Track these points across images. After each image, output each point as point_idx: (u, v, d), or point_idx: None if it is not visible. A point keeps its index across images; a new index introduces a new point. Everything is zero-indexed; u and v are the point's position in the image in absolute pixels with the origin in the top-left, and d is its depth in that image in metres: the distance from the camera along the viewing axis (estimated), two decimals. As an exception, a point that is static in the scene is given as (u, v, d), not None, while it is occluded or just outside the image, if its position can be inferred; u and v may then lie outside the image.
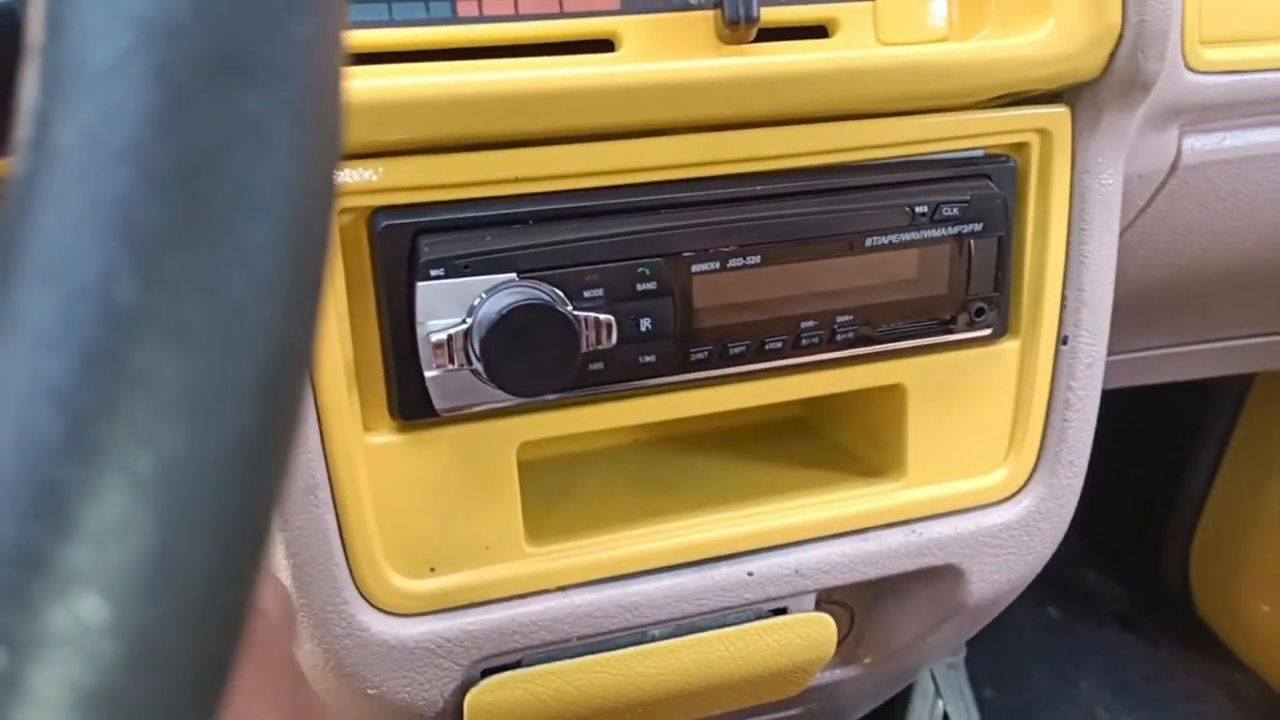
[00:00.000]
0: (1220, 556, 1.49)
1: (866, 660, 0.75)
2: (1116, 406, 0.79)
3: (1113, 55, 0.57)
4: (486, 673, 0.57)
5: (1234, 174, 0.72)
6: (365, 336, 0.53)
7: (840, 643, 0.68)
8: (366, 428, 0.54)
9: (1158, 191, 0.72)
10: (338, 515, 0.53)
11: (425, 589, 0.56)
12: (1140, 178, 0.69)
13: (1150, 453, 1.48)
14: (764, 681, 0.64)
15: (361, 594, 0.55)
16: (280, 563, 0.53)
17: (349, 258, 0.51)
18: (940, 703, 1.30)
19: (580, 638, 0.58)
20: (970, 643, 1.37)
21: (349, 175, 0.50)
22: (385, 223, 0.50)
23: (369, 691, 0.56)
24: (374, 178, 0.50)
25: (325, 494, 0.53)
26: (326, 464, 0.53)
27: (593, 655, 0.59)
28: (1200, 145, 0.71)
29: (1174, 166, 0.71)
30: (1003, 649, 1.42)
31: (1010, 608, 0.78)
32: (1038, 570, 0.68)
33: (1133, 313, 0.70)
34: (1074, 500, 0.66)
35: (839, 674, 0.75)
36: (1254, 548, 1.43)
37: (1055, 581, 0.87)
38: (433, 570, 0.56)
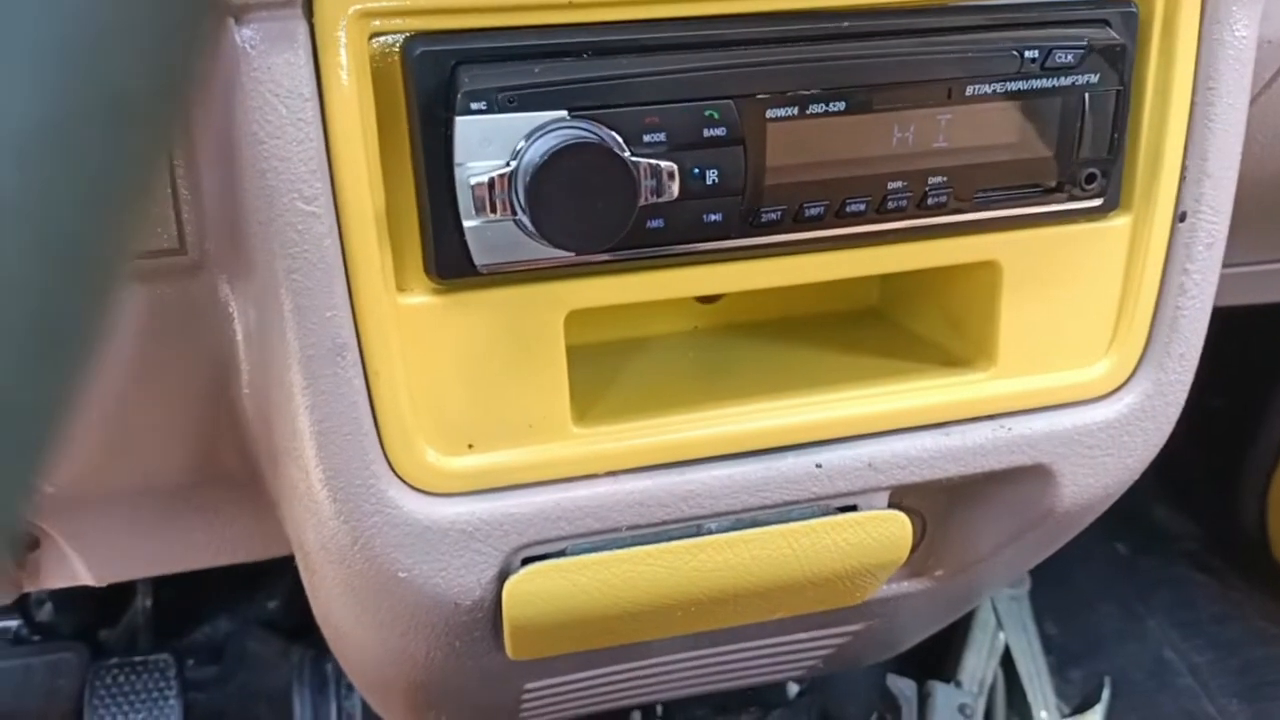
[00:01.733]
0: (1302, 497, 1.41)
1: (938, 573, 0.69)
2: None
3: (1259, -120, 0.49)
4: (527, 561, 0.53)
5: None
6: (399, 184, 0.47)
7: (910, 552, 0.62)
8: (400, 288, 0.49)
9: (1288, 62, 0.64)
10: (367, 382, 0.49)
11: (462, 467, 0.51)
12: (1269, 43, 0.61)
13: (1231, 383, 1.40)
14: (828, 585, 0.59)
15: (393, 469, 0.50)
16: (303, 430, 0.48)
17: (381, 91, 0.46)
18: (1001, 635, 1.25)
19: (630, 527, 0.53)
20: (1035, 576, 1.31)
21: (382, -4, 0.44)
22: (421, 49, 0.45)
23: (399, 574, 0.51)
24: (410, -2, 0.44)
25: (354, 356, 0.48)
26: (355, 325, 0.48)
27: (643, 547, 0.54)
28: (1340, 9, 0.63)
29: (1309, 32, 0.63)
30: (1068, 584, 1.37)
31: (1077, 542, 0.72)
32: (1136, 475, 0.61)
33: (1236, 215, 0.63)
34: (1182, 399, 0.59)
35: (905, 587, 0.70)
36: (1342, 487, 1.36)
37: (1125, 517, 0.82)
38: (471, 447, 0.51)
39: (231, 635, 1.27)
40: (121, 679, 1.19)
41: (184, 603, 1.25)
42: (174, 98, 0.15)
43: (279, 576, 1.28)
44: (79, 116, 0.13)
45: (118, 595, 1.22)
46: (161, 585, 1.24)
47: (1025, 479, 0.59)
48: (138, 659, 1.19)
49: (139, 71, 0.14)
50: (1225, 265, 0.65)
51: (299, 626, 1.25)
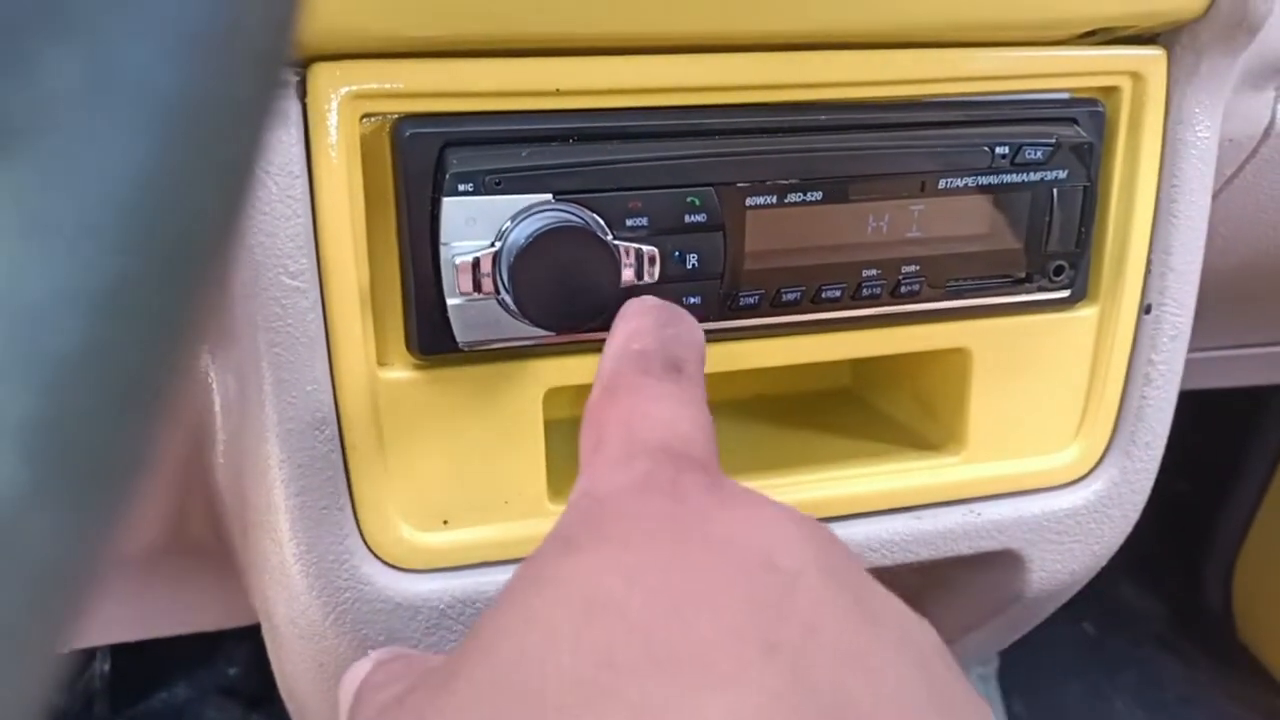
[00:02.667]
0: (1265, 577, 1.43)
1: (907, 654, 0.69)
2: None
3: (1219, -9, 0.52)
4: (499, 639, 0.52)
5: (1333, 146, 0.66)
6: (384, 261, 0.48)
7: (881, 633, 0.62)
8: (380, 362, 0.49)
9: (1248, 160, 0.66)
10: (344, 456, 0.49)
11: (437, 543, 0.51)
12: (1230, 142, 0.64)
13: (1197, 464, 1.42)
14: (800, 667, 0.58)
15: (367, 545, 0.50)
16: (278, 503, 0.48)
17: (369, 171, 0.46)
18: (969, 713, 1.25)
19: (603, 606, 0.53)
20: (1003, 655, 1.31)
21: (373, 79, 0.45)
22: (410, 131, 0.45)
23: (370, 652, 0.50)
24: (400, 82, 0.45)
25: (332, 430, 0.48)
26: (335, 399, 0.48)
27: (616, 626, 0.54)
28: (1297, 112, 0.65)
29: (1267, 133, 0.65)
30: (1036, 663, 1.37)
31: (1045, 620, 0.73)
32: (1104, 562, 0.62)
33: (1199, 304, 0.66)
34: (1148, 486, 0.60)
35: (876, 668, 0.70)
36: (1304, 569, 1.37)
37: (1092, 596, 0.83)
38: (446, 523, 0.51)
39: (189, 702, 1.24)
40: (75, 747, 1.16)
41: (142, 669, 1.23)
42: (228, 239, 0.15)
43: (239, 643, 1.26)
44: (143, 272, 0.14)
45: (74, 660, 1.19)
46: (119, 650, 1.22)
47: (994, 563, 0.60)
48: (92, 726, 1.17)
49: (199, 220, 0.14)
50: (1189, 351, 0.67)
51: (258, 695, 1.23)
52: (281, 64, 0.16)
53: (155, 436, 0.15)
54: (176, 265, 0.14)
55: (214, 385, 0.53)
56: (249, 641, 1.19)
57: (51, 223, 0.12)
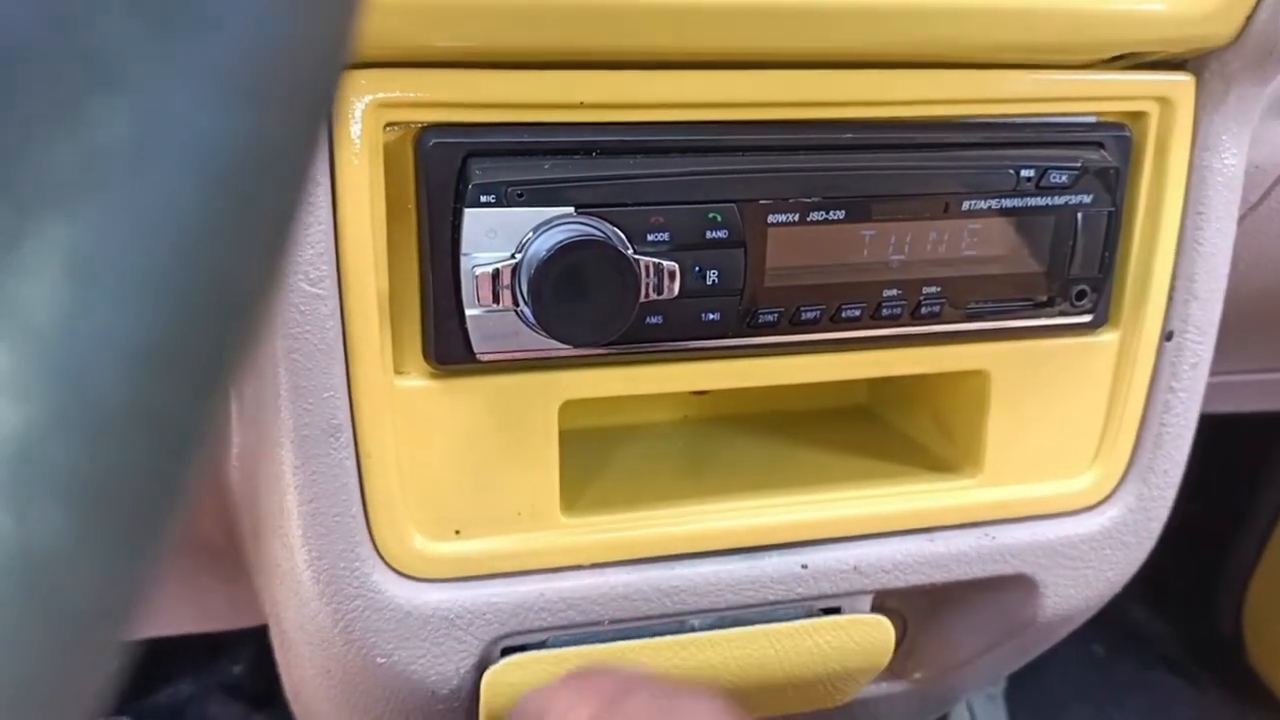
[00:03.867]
0: (1278, 603, 1.42)
1: (916, 675, 0.69)
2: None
3: (1249, 19, 0.51)
4: (507, 651, 0.52)
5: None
6: (403, 269, 0.48)
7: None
8: (397, 371, 0.49)
9: (1273, 186, 0.66)
10: (359, 463, 0.48)
11: (448, 553, 0.51)
12: (1256, 168, 0.63)
13: (1211, 486, 1.41)
14: (810, 686, 0.58)
15: (378, 553, 0.50)
16: (291, 509, 0.48)
17: (392, 178, 0.46)
18: (975, 734, 1.24)
19: (613, 621, 0.53)
20: (1010, 675, 1.30)
21: (398, 87, 0.45)
22: (434, 141, 0.45)
23: (378, 660, 0.50)
24: (424, 91, 0.45)
25: (347, 437, 0.48)
26: (351, 406, 0.48)
27: (625, 641, 0.53)
28: (1324, 140, 0.65)
29: (1294, 160, 0.65)
30: (1043, 684, 1.36)
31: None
32: (1118, 588, 0.61)
33: (1219, 329, 0.65)
34: (1164, 514, 0.60)
35: (884, 688, 0.69)
36: (1318, 597, 1.36)
37: (1102, 617, 0.82)
38: (458, 533, 0.51)
39: (193, 699, 1.24)
40: (78, 741, 1.16)
41: (146, 664, 1.23)
42: (270, 288, 0.15)
43: (244, 641, 1.25)
44: (188, 322, 0.14)
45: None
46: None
47: (1008, 587, 0.59)
48: (96, 721, 1.16)
49: (243, 268, 0.14)
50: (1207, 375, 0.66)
51: (263, 694, 1.22)
52: (325, 112, 0.16)
53: (191, 482, 0.15)
54: (220, 314, 0.14)
55: (230, 389, 0.53)
56: (253, 639, 1.19)
57: (101, 276, 0.12)
